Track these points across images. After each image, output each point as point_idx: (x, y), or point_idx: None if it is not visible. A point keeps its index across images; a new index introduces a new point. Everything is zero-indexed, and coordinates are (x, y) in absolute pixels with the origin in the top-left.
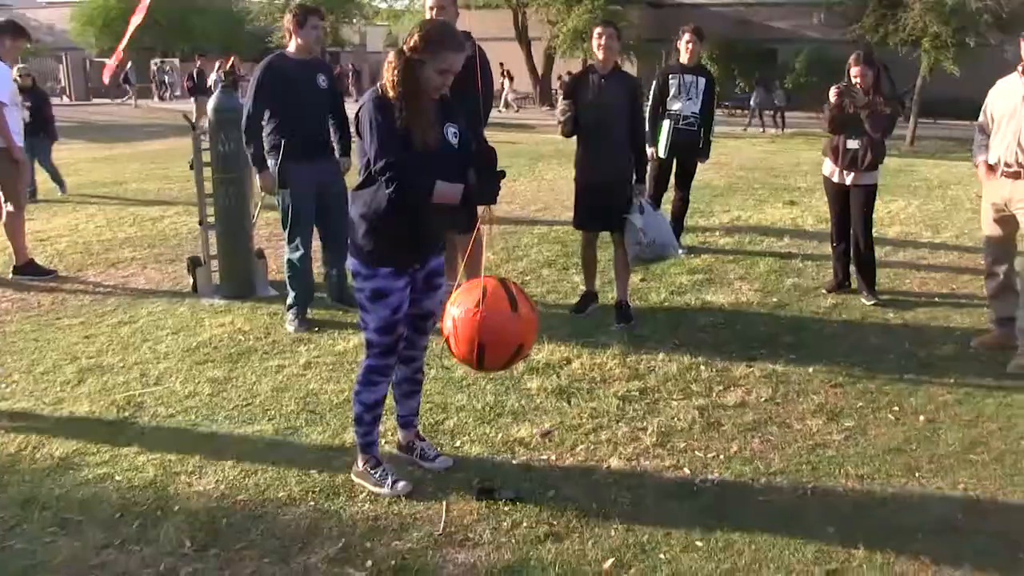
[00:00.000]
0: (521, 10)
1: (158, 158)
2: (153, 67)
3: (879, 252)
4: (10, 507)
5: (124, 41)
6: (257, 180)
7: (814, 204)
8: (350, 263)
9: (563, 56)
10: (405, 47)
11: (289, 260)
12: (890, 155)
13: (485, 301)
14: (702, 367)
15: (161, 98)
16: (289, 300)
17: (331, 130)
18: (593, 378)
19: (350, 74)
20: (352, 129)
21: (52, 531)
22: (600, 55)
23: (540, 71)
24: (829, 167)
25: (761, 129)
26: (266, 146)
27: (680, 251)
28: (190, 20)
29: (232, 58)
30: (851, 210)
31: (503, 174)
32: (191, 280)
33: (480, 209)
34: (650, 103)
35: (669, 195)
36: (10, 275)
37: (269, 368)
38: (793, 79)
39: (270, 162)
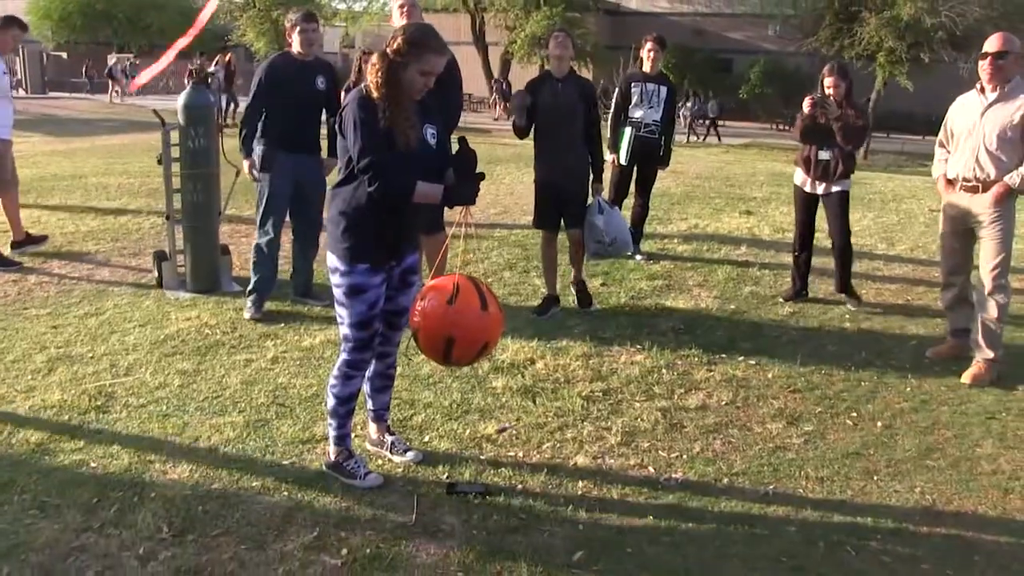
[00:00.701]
0: (479, 15)
1: (117, 152)
2: (126, 62)
3: (833, 263)
4: None
5: (174, 51)
6: (244, 167)
7: (770, 214)
8: (328, 259)
9: (520, 61)
10: (389, 49)
11: (258, 244)
12: None
13: (457, 297)
14: (664, 370)
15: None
16: (251, 285)
17: (324, 129)
18: (557, 378)
19: None
20: (336, 128)
21: (32, 513)
22: (555, 62)
23: (496, 76)
24: (800, 177)
25: (716, 139)
26: (257, 133)
27: (639, 256)
28: (147, 15)
29: (230, 55)
30: (828, 217)
31: (482, 176)
32: (156, 274)
33: (460, 209)
34: (612, 110)
35: (629, 201)
36: None
37: (237, 362)
38: (748, 90)
39: (257, 148)
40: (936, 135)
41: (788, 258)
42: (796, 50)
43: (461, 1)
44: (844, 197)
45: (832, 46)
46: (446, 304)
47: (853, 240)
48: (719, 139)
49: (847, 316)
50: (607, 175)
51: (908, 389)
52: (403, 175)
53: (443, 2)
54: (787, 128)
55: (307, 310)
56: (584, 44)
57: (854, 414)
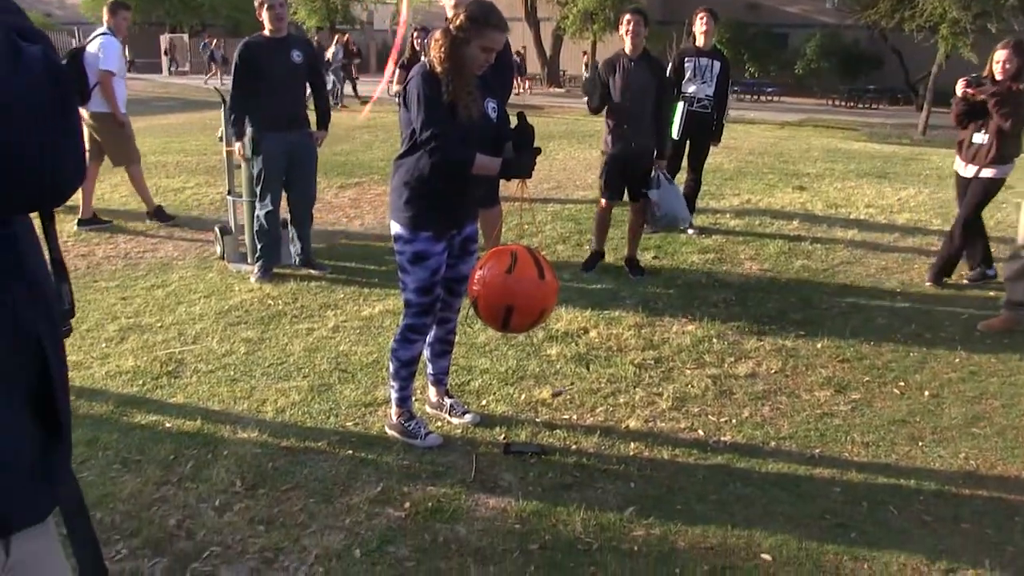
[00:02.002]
0: None
1: (173, 131)
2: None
3: (888, 237)
4: (78, 445)
5: (392, 63)
6: (236, 150)
7: (823, 190)
8: (392, 227)
9: (572, 37)
10: (451, 26)
11: (257, 216)
12: (901, 143)
13: (515, 267)
14: (714, 340)
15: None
16: (257, 254)
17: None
18: (610, 347)
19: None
20: (399, 101)
21: (116, 468)
22: (629, 42)
23: (548, 52)
24: (958, 161)
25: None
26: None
27: (691, 230)
28: None
29: (348, 36)
30: (964, 197)
31: (539, 150)
32: (219, 248)
33: (516, 182)
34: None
35: (681, 176)
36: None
37: (299, 331)
38: (804, 65)
39: (248, 130)
40: None
41: (840, 232)
42: (854, 23)
43: None
44: (988, 189)
45: (892, 18)
46: (505, 273)
47: (908, 215)
48: None
49: (898, 290)
50: None
51: (957, 360)
52: (463, 147)
53: None
54: (844, 104)
55: (365, 281)
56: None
57: (901, 383)
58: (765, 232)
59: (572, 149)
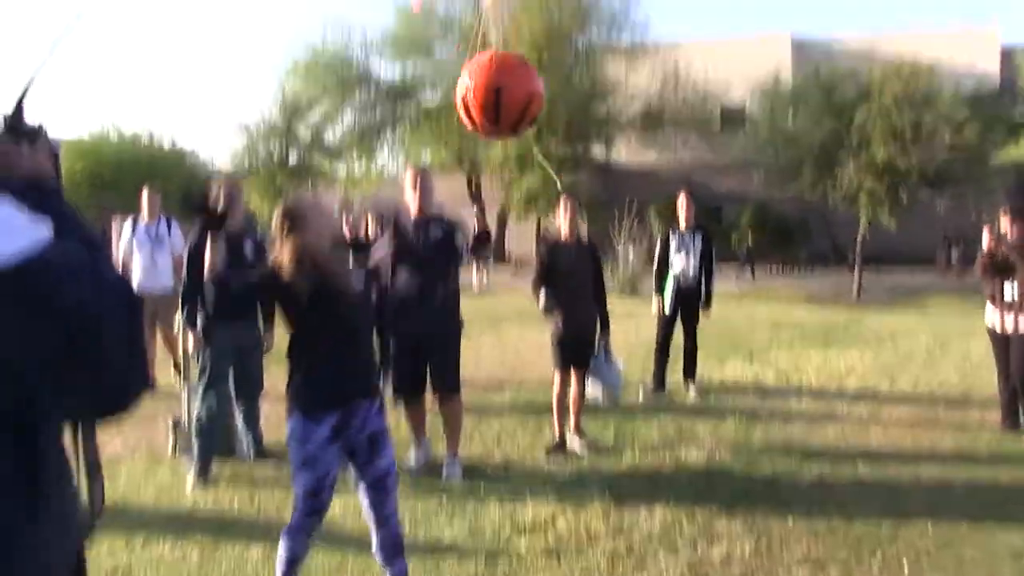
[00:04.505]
0: (475, 177)
1: None
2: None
3: (841, 403)
4: None
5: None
6: (191, 343)
7: (772, 359)
8: (287, 426)
9: (516, 222)
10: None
11: (199, 416)
12: (838, 306)
13: (497, 56)
14: (684, 523)
15: None
16: (195, 458)
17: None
18: (580, 536)
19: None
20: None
21: None
22: (567, 226)
23: (494, 232)
24: (990, 317)
25: None
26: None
27: (694, 396)
28: (155, 184)
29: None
30: (1012, 354)
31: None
32: (171, 440)
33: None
34: (657, 261)
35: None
36: None
37: (257, 533)
38: (739, 235)
39: (199, 320)
40: (921, 271)
41: (794, 403)
42: (781, 195)
43: (456, 162)
44: None
45: (815, 190)
46: (489, 61)
47: (856, 380)
48: None
49: (860, 461)
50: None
51: (928, 529)
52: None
53: (439, 160)
54: (779, 270)
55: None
56: (578, 199)
57: (878, 556)
58: (722, 406)
59: (522, 330)
